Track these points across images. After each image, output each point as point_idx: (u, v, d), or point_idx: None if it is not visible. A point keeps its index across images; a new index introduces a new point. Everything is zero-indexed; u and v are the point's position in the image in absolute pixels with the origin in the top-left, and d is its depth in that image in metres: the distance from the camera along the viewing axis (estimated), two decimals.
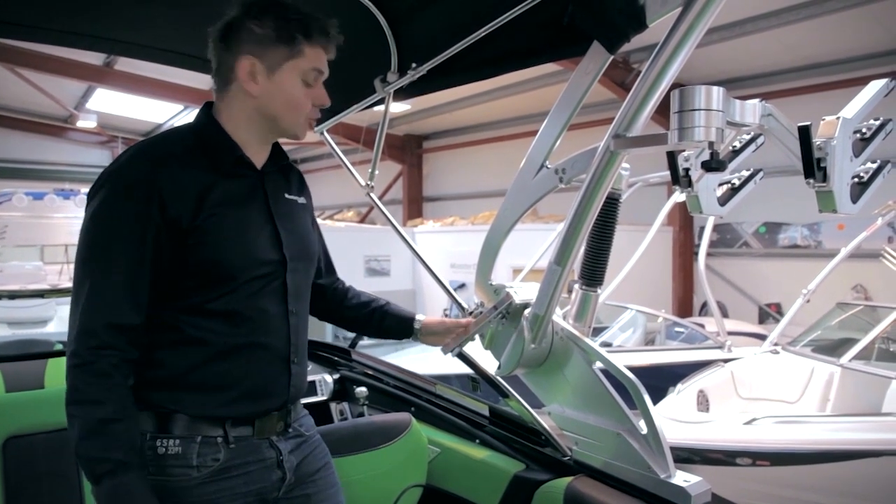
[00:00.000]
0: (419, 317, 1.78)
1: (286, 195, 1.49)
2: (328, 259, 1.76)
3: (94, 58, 9.89)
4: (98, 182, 1.33)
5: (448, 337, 1.76)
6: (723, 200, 1.62)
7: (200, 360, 1.34)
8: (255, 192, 1.42)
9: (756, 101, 1.37)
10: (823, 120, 1.37)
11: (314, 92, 1.41)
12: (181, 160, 1.33)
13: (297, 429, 1.51)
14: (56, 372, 3.07)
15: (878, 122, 1.45)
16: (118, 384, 1.25)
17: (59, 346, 3.42)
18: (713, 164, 1.25)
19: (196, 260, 1.31)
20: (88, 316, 1.26)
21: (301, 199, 1.54)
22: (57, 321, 8.44)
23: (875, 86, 1.45)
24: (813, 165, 1.31)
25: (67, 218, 11.43)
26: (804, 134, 1.29)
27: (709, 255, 6.97)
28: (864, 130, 1.44)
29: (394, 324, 1.78)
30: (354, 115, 2.26)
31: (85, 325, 1.26)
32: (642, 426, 1.52)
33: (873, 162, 1.44)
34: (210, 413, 1.35)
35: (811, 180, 1.33)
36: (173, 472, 1.32)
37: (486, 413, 2.04)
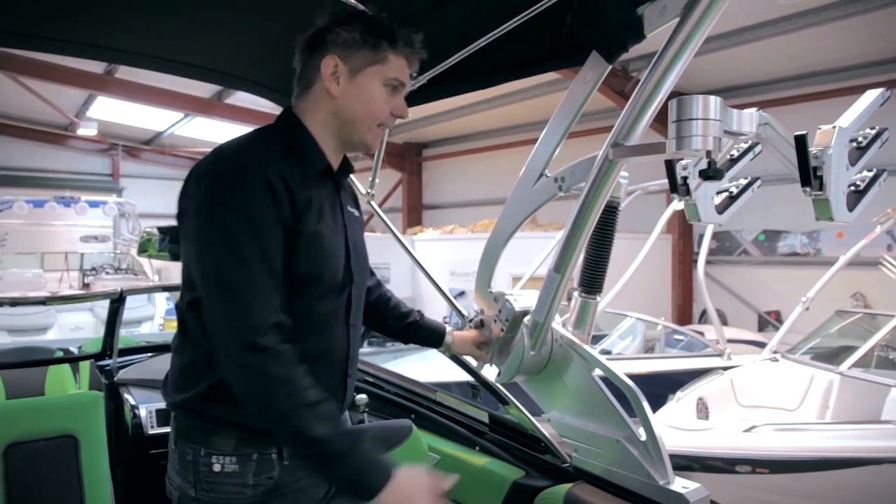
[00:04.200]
0: (448, 333, 1.80)
1: (349, 208, 1.47)
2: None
3: (95, 66, 9.93)
4: (203, 178, 1.27)
5: (475, 350, 1.78)
6: (721, 208, 1.63)
7: None
8: (334, 202, 1.40)
9: (753, 110, 1.38)
10: (820, 129, 1.38)
11: (394, 101, 1.38)
12: (279, 161, 1.29)
13: None
14: (56, 379, 3.08)
15: (874, 131, 1.46)
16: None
17: (60, 354, 3.43)
18: (710, 173, 1.26)
19: (295, 266, 1.27)
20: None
21: (357, 213, 1.52)
22: (57, 328, 8.45)
23: (871, 95, 1.47)
24: (809, 174, 1.32)
25: (67, 226, 11.44)
26: (800, 143, 1.30)
27: (708, 262, 6.97)
28: (860, 139, 1.45)
29: (426, 336, 1.79)
30: None
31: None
32: (641, 433, 1.52)
33: (869, 170, 1.45)
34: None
35: (808, 189, 1.34)
36: (228, 490, 1.28)
37: (486, 420, 2.05)
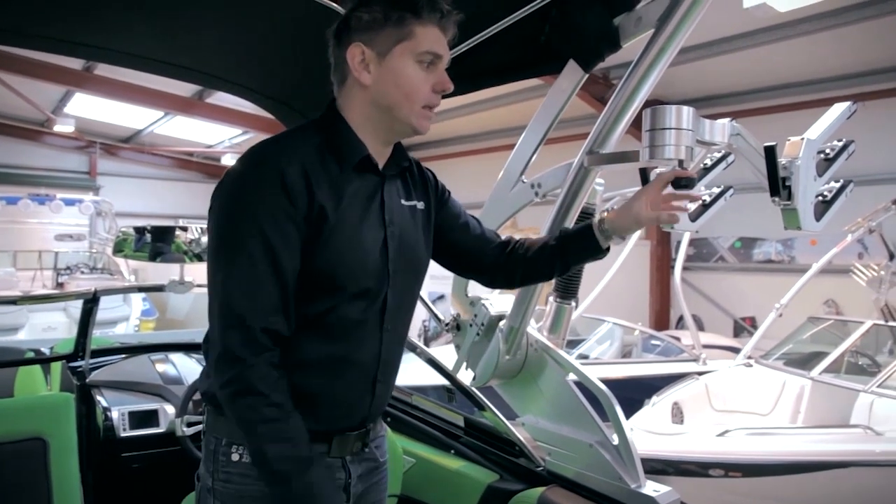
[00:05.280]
0: (594, 224, 1.40)
1: (402, 201, 1.37)
2: (479, 229, 1.52)
3: (74, 62, 9.78)
4: (225, 175, 1.25)
5: (656, 204, 1.34)
6: (693, 216, 1.66)
7: (287, 370, 1.25)
8: (374, 196, 1.31)
9: (726, 120, 1.41)
10: (789, 140, 1.41)
11: (433, 76, 1.26)
12: (309, 160, 1.23)
13: (372, 451, 1.42)
14: (27, 380, 3.03)
15: (840, 143, 1.50)
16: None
17: (31, 354, 3.37)
18: (682, 182, 1.28)
19: (311, 267, 1.22)
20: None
21: (420, 204, 1.40)
22: (29, 329, 8.29)
23: (839, 108, 1.51)
24: (778, 184, 1.35)
25: (42, 224, 11.27)
26: (770, 154, 1.34)
27: (685, 269, 7.06)
28: (827, 151, 1.48)
29: (576, 250, 1.44)
30: None
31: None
32: (614, 437, 1.54)
33: (836, 181, 1.49)
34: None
35: (776, 198, 1.37)
36: (245, 481, 1.26)
37: (462, 424, 2.05)
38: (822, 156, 1.45)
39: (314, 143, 1.26)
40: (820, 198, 1.43)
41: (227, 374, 1.17)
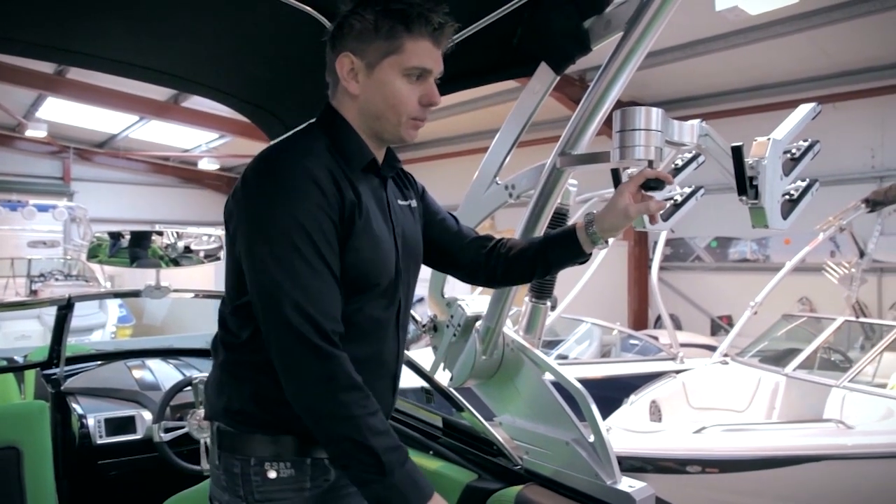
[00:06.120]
0: (580, 226, 1.39)
1: (399, 201, 1.39)
2: (458, 227, 1.53)
3: (45, 66, 9.63)
4: (251, 179, 1.22)
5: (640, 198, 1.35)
6: (665, 216, 1.68)
7: None
8: (381, 197, 1.33)
9: (696, 121, 1.43)
10: (756, 140, 1.44)
11: (421, 89, 1.26)
12: (328, 161, 1.24)
13: None
14: (0, 389, 2.98)
15: (806, 143, 1.53)
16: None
17: (4, 363, 3.32)
18: (651, 185, 1.31)
19: (344, 265, 1.22)
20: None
21: (413, 203, 1.44)
22: (1, 337, 8.14)
23: (803, 109, 1.54)
24: (745, 183, 1.37)
25: (14, 230, 11.08)
26: (737, 154, 1.36)
27: (662, 268, 7.14)
28: (793, 151, 1.52)
29: (559, 253, 1.43)
30: None
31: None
32: (590, 435, 1.56)
33: (803, 180, 1.52)
34: None
35: (744, 197, 1.40)
36: (287, 495, 1.25)
37: (440, 424, 2.06)
38: (787, 156, 1.49)
39: (325, 145, 1.26)
40: (787, 196, 1.46)
41: (319, 371, 1.14)
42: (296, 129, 1.33)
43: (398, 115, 1.26)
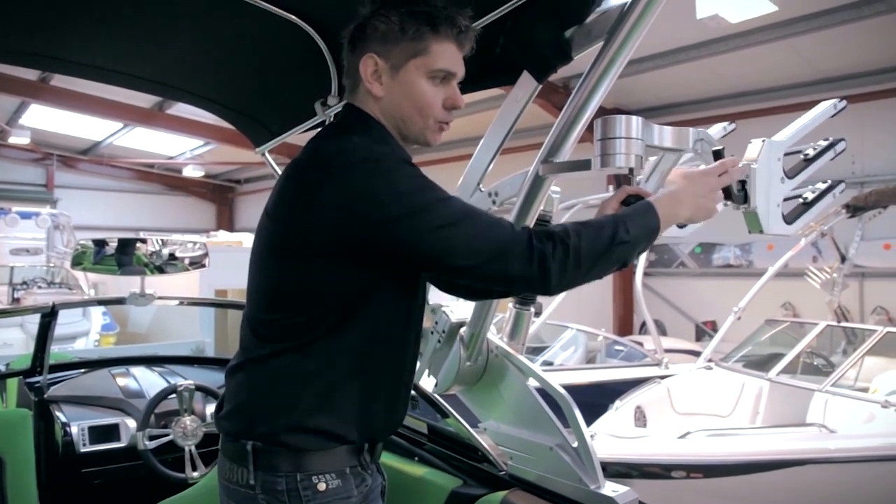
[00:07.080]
0: None
1: None
2: None
3: (29, 72, 9.56)
4: (353, 163, 1.17)
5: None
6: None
7: (365, 377, 1.25)
8: None
9: (670, 128, 1.45)
10: (751, 143, 1.44)
11: (445, 92, 1.27)
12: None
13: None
14: None
15: (826, 143, 1.50)
16: None
17: None
18: (631, 200, 1.33)
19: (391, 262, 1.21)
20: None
21: None
22: None
23: (820, 107, 1.51)
24: (729, 188, 1.38)
25: None
26: (717, 158, 1.38)
27: (647, 274, 7.19)
28: (808, 152, 1.50)
29: None
30: (297, 136, 2.28)
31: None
32: (574, 441, 1.58)
33: (824, 182, 1.50)
34: (363, 436, 1.29)
35: (728, 202, 1.41)
36: (340, 502, 1.24)
37: (425, 431, 2.07)
38: (801, 157, 1.47)
39: (370, 142, 1.24)
40: (801, 199, 1.44)
41: (562, 253, 1.15)
42: (339, 131, 1.31)
43: (425, 118, 1.27)
